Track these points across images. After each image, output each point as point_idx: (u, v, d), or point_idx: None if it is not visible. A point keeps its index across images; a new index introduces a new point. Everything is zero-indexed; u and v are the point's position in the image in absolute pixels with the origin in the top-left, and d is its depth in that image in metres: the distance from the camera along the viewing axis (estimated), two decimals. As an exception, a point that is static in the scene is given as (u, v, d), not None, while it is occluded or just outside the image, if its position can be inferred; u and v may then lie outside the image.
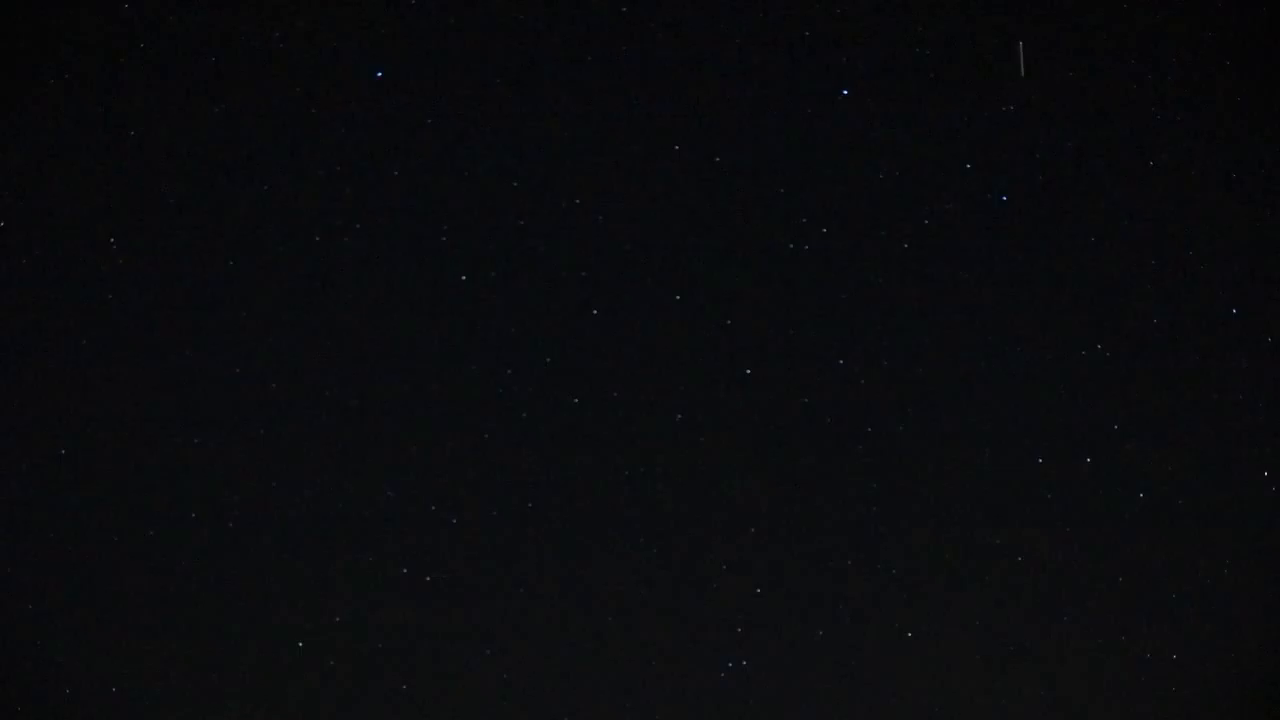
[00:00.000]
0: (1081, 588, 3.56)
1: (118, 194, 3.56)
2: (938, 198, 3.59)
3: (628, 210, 3.61)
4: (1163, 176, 3.55)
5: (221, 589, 3.56)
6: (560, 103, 3.60)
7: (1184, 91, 3.52)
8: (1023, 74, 2.80)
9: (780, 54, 3.59)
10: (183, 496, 3.56)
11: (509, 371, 3.62)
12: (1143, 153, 3.55)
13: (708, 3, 3.59)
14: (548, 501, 3.62)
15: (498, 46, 3.59)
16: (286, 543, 3.58)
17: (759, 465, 3.62)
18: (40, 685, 3.52)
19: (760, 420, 3.62)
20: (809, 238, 3.60)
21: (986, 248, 3.59)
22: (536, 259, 3.62)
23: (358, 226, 3.59)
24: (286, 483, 3.59)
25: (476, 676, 3.59)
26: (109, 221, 3.56)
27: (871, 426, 3.61)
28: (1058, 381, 3.58)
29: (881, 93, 3.58)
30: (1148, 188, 3.56)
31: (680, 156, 3.60)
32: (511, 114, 3.60)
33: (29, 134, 3.52)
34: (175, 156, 3.56)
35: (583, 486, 3.62)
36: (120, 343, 3.57)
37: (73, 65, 3.52)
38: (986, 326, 3.59)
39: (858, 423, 3.60)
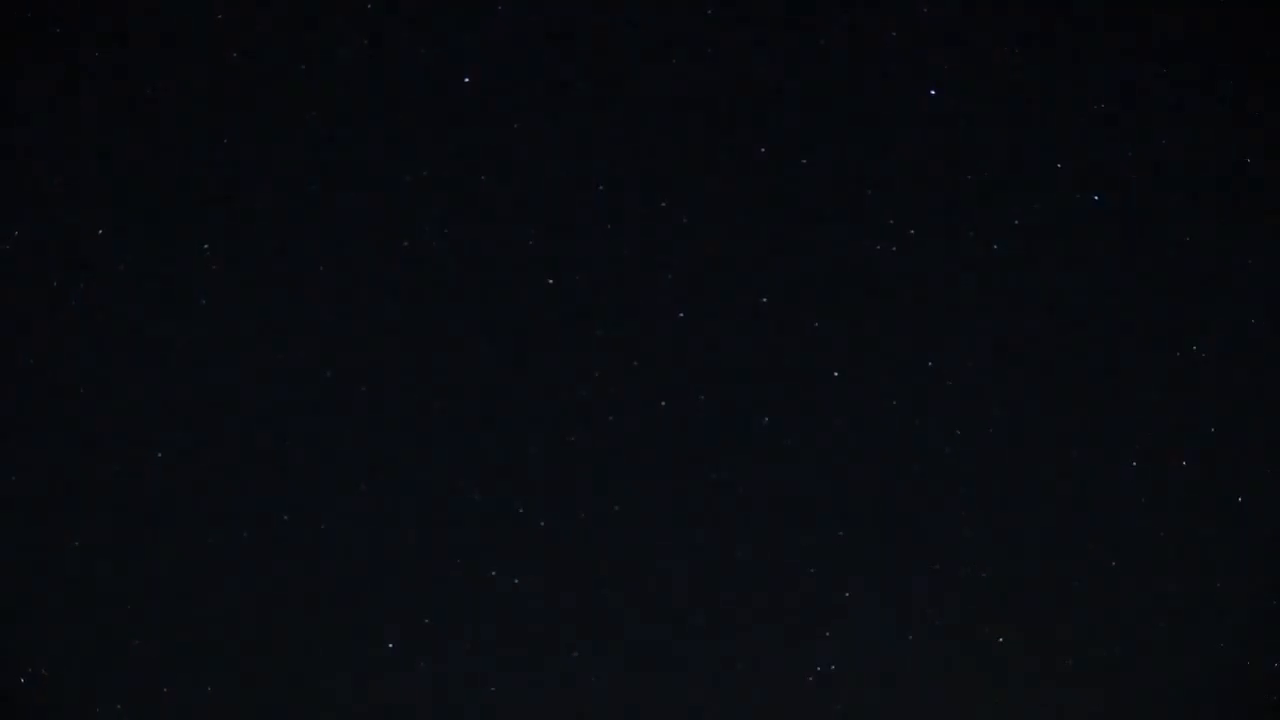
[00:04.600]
0: (1184, 596, 3.51)
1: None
2: (1029, 199, 3.56)
3: (716, 212, 3.61)
4: (1263, 179, 3.49)
5: (317, 589, 3.61)
6: (647, 105, 3.60)
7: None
8: None
9: (869, 55, 3.57)
10: (272, 504, 3.60)
11: (596, 374, 3.63)
12: (1240, 152, 3.49)
13: (793, 5, 3.58)
14: (635, 504, 3.62)
15: (577, 47, 3.60)
16: (380, 546, 3.62)
17: (849, 468, 3.60)
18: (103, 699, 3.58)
19: (848, 423, 3.61)
20: (898, 239, 3.58)
21: (1079, 249, 3.55)
22: (623, 262, 3.63)
23: (447, 231, 3.62)
24: (377, 486, 3.62)
25: (568, 676, 3.60)
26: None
27: (961, 429, 3.58)
28: (1155, 383, 3.54)
29: (970, 93, 3.55)
30: (1245, 189, 3.50)
31: (768, 159, 3.59)
32: (599, 116, 3.61)
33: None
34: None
35: (672, 490, 3.63)
36: (184, 346, 3.62)
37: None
38: (1079, 328, 3.55)
39: (950, 424, 3.58)
